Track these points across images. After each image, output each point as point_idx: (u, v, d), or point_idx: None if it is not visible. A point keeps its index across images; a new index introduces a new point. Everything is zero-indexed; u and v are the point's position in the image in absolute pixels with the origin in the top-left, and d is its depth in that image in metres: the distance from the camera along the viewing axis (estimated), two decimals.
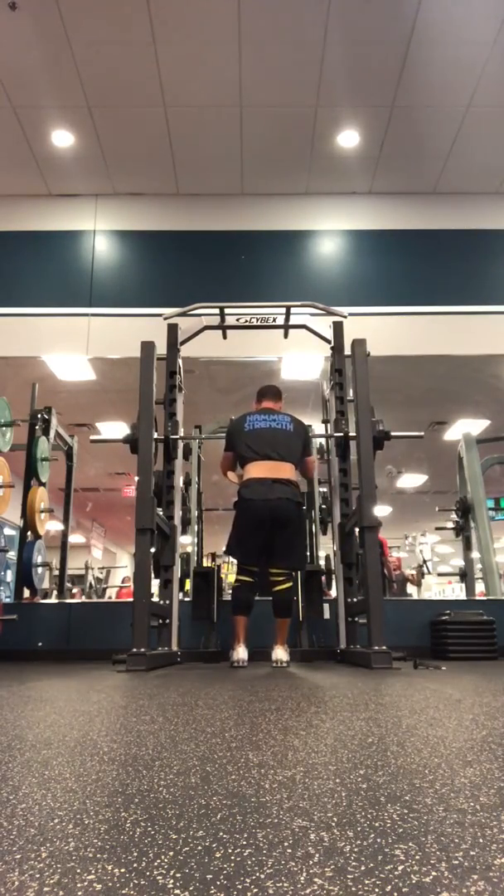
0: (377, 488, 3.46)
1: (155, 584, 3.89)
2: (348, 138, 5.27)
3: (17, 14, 4.19)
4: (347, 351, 3.97)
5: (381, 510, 5.31)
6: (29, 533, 4.93)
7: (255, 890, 0.48)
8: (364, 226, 5.86)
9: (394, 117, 5.04)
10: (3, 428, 4.79)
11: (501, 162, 5.56)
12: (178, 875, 0.51)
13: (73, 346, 5.53)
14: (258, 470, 3.57)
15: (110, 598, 8.38)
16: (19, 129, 5.14)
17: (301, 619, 4.35)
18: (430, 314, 5.60)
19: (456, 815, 0.65)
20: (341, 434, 4.03)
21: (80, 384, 5.98)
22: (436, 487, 8.10)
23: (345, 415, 4.07)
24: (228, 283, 5.65)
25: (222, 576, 5.06)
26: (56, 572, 6.06)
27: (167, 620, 3.85)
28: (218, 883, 0.49)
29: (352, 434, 3.89)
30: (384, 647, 3.08)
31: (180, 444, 4.25)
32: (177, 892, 0.48)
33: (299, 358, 5.60)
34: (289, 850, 0.56)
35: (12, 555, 5.78)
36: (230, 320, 4.32)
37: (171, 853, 0.56)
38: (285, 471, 3.58)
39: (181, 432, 4.19)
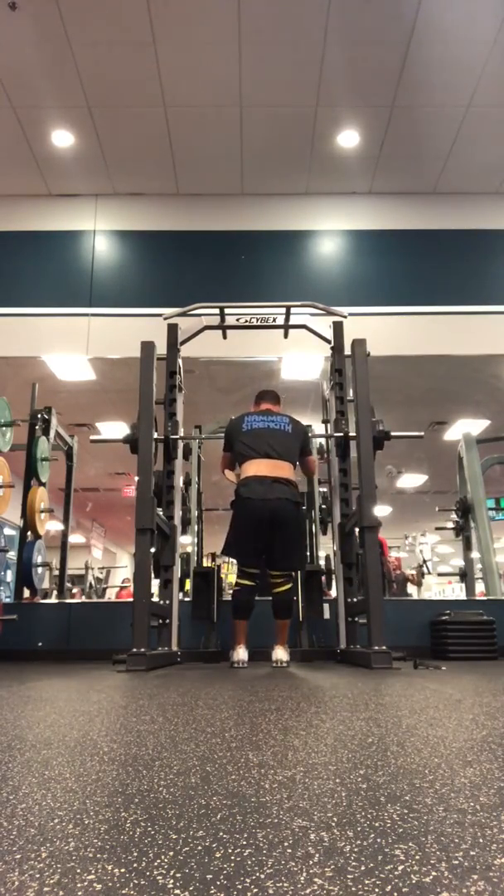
0: (377, 488, 3.46)
1: (155, 584, 3.89)
2: (348, 138, 5.27)
3: (17, 14, 4.19)
4: (347, 351, 3.96)
5: (381, 510, 5.31)
6: (29, 533, 4.93)
7: (255, 890, 0.48)
8: (364, 226, 5.86)
9: (394, 117, 5.04)
10: (3, 428, 4.79)
11: (501, 162, 5.56)
12: (178, 875, 0.51)
13: (73, 346, 5.53)
14: (256, 468, 3.54)
15: (110, 598, 8.38)
16: (19, 129, 5.14)
17: (301, 619, 4.35)
18: (430, 314, 5.60)
19: (456, 815, 0.65)
20: (341, 434, 4.03)
21: (80, 384, 5.98)
22: (436, 487, 8.09)
23: (345, 415, 4.06)
24: (228, 283, 5.65)
25: (222, 576, 5.06)
26: (56, 572, 6.06)
27: (167, 620, 3.85)
28: (218, 883, 0.49)
29: (352, 434, 3.89)
30: (384, 647, 3.08)
31: (180, 444, 4.25)
32: (177, 892, 0.48)
33: (299, 358, 5.60)
34: (289, 850, 0.56)
35: (12, 555, 5.78)
36: (230, 320, 4.32)
37: (171, 853, 0.56)
38: (284, 469, 3.55)
39: (181, 432, 4.19)
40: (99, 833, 0.62)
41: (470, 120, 5.06)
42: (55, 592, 6.11)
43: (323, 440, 4.87)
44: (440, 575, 8.00)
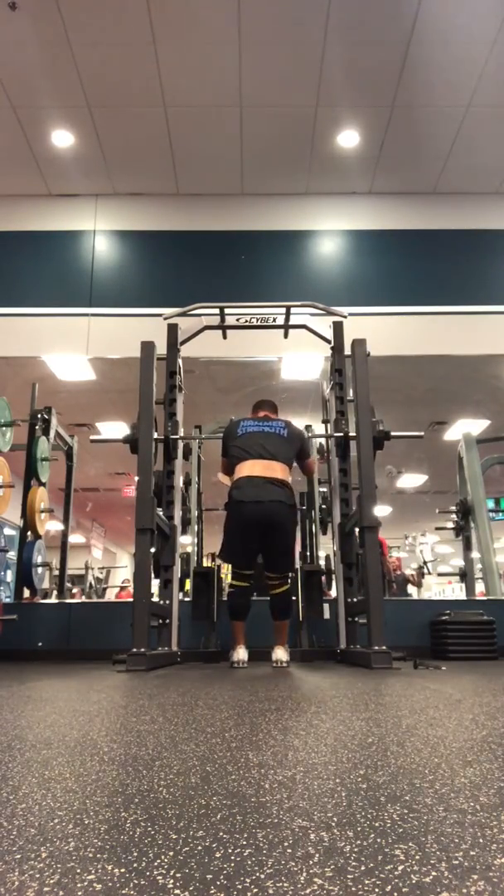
0: (377, 488, 3.46)
1: (155, 584, 3.89)
2: (348, 138, 5.27)
3: (17, 14, 4.19)
4: (347, 351, 3.96)
5: (381, 510, 5.31)
6: (29, 533, 4.93)
7: (255, 890, 0.48)
8: (364, 226, 5.86)
9: (394, 117, 5.04)
10: (3, 428, 4.79)
11: (501, 162, 5.56)
12: (178, 875, 0.51)
13: (73, 346, 5.53)
14: (248, 468, 3.49)
15: (110, 598, 8.38)
16: (19, 129, 5.15)
17: (301, 619, 4.35)
18: (430, 314, 5.60)
19: (456, 815, 0.65)
20: (341, 434, 4.03)
21: (80, 384, 5.98)
22: (436, 487, 8.09)
23: (345, 415, 4.06)
24: (228, 283, 5.65)
25: (222, 576, 5.05)
26: (56, 572, 6.06)
27: (167, 620, 3.85)
28: (218, 883, 0.49)
29: (352, 434, 3.89)
30: (384, 647, 3.08)
31: (180, 444, 4.25)
32: (177, 892, 0.48)
33: (299, 358, 5.60)
34: (289, 850, 0.56)
35: (12, 555, 5.78)
36: (230, 320, 4.32)
37: (171, 853, 0.56)
38: (277, 470, 3.49)
39: (181, 432, 4.19)
40: (99, 833, 0.62)
41: (470, 120, 5.06)
42: (55, 592, 6.11)
43: (323, 440, 4.87)
44: (440, 575, 8.00)
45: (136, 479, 3.51)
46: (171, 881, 0.49)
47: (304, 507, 5.54)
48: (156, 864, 0.53)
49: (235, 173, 5.63)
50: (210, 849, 0.56)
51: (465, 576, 6.01)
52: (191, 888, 0.48)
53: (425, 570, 7.74)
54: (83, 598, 7.63)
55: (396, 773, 0.84)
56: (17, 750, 1.06)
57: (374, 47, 4.47)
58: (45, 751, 1.05)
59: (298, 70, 4.64)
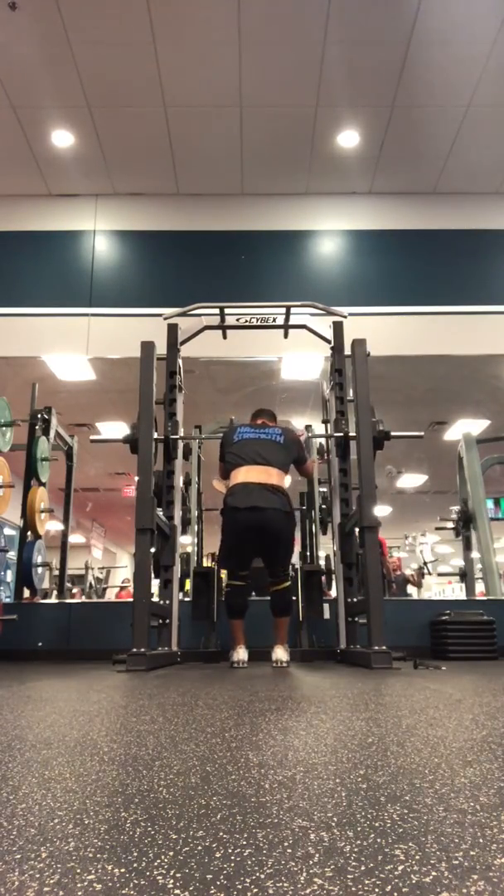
0: (377, 488, 3.46)
1: (155, 584, 3.89)
2: (348, 138, 5.27)
3: (17, 14, 4.19)
4: (347, 351, 3.96)
5: (381, 510, 5.31)
6: (29, 533, 4.93)
7: (255, 890, 0.48)
8: (364, 226, 5.86)
9: (394, 117, 5.04)
10: (3, 428, 4.79)
11: (501, 162, 5.56)
12: (178, 875, 0.51)
13: (73, 346, 5.53)
14: (243, 475, 3.50)
15: (110, 598, 8.38)
16: (19, 129, 5.15)
17: (301, 619, 4.35)
18: (430, 314, 5.60)
19: (456, 815, 0.65)
20: (341, 434, 4.03)
21: (80, 384, 5.98)
22: (436, 487, 8.09)
23: (345, 415, 4.06)
24: (228, 283, 5.65)
25: (222, 576, 5.06)
26: (56, 572, 6.06)
27: (167, 620, 3.85)
28: (218, 883, 0.49)
29: (352, 434, 3.89)
30: (384, 647, 3.08)
31: (180, 444, 4.25)
32: (177, 892, 0.48)
33: (299, 358, 5.60)
34: (289, 850, 0.56)
35: (12, 555, 5.78)
36: (230, 320, 4.32)
37: (171, 853, 0.56)
38: (273, 476, 3.49)
39: (181, 432, 4.19)
40: (99, 833, 0.62)
41: (470, 120, 5.06)
42: (55, 592, 6.11)
43: (323, 440, 4.87)
44: (440, 575, 8.00)
45: (136, 479, 3.51)
46: (171, 881, 0.49)
47: (303, 507, 5.54)
48: (156, 864, 0.53)
49: (235, 173, 5.63)
50: (210, 849, 0.56)
51: (465, 576, 6.01)
52: (191, 888, 0.48)
53: (425, 571, 7.74)
54: (83, 598, 7.63)
55: (396, 773, 0.84)
56: (17, 750, 1.06)
57: (374, 47, 4.47)
58: (45, 751, 1.05)
59: (298, 70, 4.64)
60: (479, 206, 5.87)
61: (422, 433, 4.13)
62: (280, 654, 3.48)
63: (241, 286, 5.59)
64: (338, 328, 4.28)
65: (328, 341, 4.29)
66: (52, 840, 0.60)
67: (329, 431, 4.24)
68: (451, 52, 4.50)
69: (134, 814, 0.68)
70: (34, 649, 4.67)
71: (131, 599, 3.62)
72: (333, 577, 4.50)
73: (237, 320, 4.33)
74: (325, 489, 5.06)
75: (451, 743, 1.07)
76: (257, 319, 4.31)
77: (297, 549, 4.88)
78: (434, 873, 0.50)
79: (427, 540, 8.41)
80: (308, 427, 4.79)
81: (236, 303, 4.44)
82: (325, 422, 4.46)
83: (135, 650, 3.08)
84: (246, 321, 4.32)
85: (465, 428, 6.26)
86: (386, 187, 5.82)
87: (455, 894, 0.46)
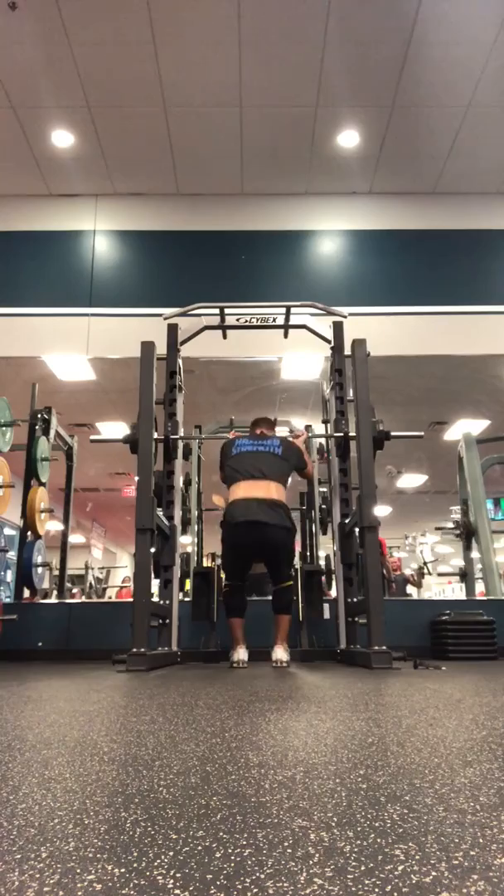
0: (377, 488, 3.46)
1: (155, 584, 3.89)
2: (348, 138, 5.27)
3: (17, 14, 4.19)
4: (347, 351, 3.96)
5: (381, 510, 5.31)
6: (29, 533, 4.93)
7: (255, 890, 0.48)
8: (364, 226, 5.86)
9: (394, 117, 5.04)
10: (3, 428, 4.79)
11: (501, 162, 5.56)
12: (178, 875, 0.51)
13: (73, 346, 5.53)
14: (242, 490, 3.55)
15: (110, 597, 8.38)
16: (19, 129, 5.15)
17: (301, 619, 4.35)
18: (430, 314, 5.60)
19: (456, 815, 0.65)
20: (341, 434, 4.03)
21: (80, 384, 5.98)
22: (436, 487, 8.10)
23: (345, 415, 4.06)
24: (228, 283, 5.65)
25: (221, 575, 5.06)
26: (56, 572, 6.06)
27: (167, 620, 3.85)
28: (218, 883, 0.49)
29: (352, 434, 3.89)
30: (384, 647, 3.08)
31: (180, 444, 4.25)
32: (177, 892, 0.48)
33: (299, 358, 5.60)
34: (289, 850, 0.56)
35: (12, 555, 5.78)
36: (230, 320, 4.32)
37: (171, 853, 0.56)
38: (270, 490, 3.53)
39: (181, 432, 4.19)
40: (99, 833, 0.62)
41: (470, 120, 5.06)
42: (55, 592, 6.11)
43: (323, 440, 4.87)
44: (440, 575, 8.00)
45: (136, 479, 3.51)
46: (171, 881, 0.49)
47: (303, 507, 5.54)
48: (156, 864, 0.53)
49: (235, 173, 5.63)
50: (210, 849, 0.56)
51: (465, 576, 6.01)
52: (191, 888, 0.48)
53: (425, 571, 7.74)
54: (83, 598, 7.63)
55: (396, 773, 0.84)
56: (17, 750, 1.06)
57: (374, 47, 4.47)
58: (45, 751, 1.05)
59: (298, 70, 4.64)
60: (479, 206, 5.87)
61: (422, 433, 4.13)
62: (280, 653, 3.48)
63: (241, 286, 5.60)
64: (338, 328, 4.28)
65: (328, 341, 4.29)
66: (52, 840, 0.60)
67: (329, 431, 4.24)
68: (451, 52, 4.50)
69: (134, 814, 0.68)
70: (34, 649, 4.67)
71: (131, 599, 3.62)
72: (333, 577, 4.50)
73: (237, 320, 4.33)
74: (325, 489, 5.06)
75: (451, 743, 1.07)
76: (257, 319, 4.31)
77: (298, 549, 4.88)
78: (434, 873, 0.50)
79: (427, 540, 8.41)
80: (308, 427, 4.79)
81: (236, 303, 4.45)
82: (325, 422, 4.47)
83: (135, 650, 3.08)
84: (246, 321, 4.32)
85: (465, 428, 6.26)
86: (386, 187, 5.82)
87: (455, 894, 0.46)
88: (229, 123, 5.09)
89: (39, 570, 4.93)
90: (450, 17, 4.24)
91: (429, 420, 6.53)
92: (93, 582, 8.40)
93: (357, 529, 3.65)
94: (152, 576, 3.64)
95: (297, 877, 0.50)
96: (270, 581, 3.75)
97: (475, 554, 5.87)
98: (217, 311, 4.27)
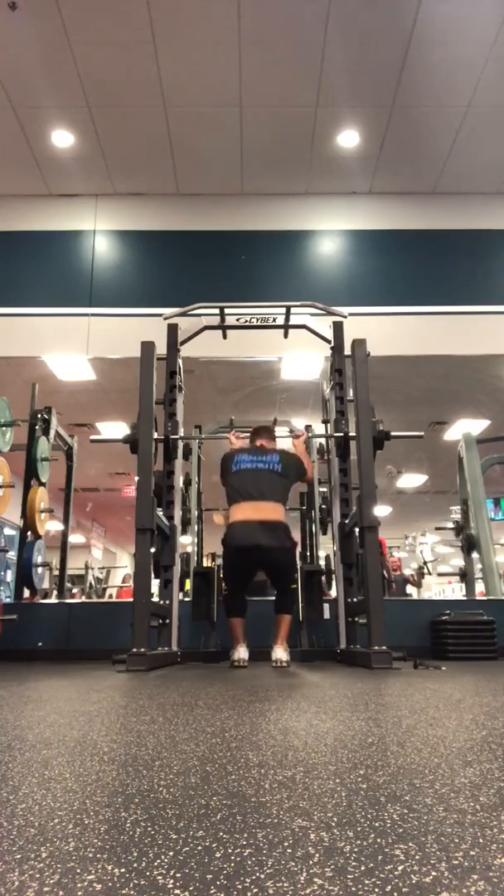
0: (377, 488, 3.46)
1: (155, 584, 3.90)
2: (348, 138, 5.27)
3: (17, 14, 4.19)
4: (347, 351, 3.96)
5: (381, 510, 5.31)
6: (29, 533, 4.93)
7: (255, 890, 0.48)
8: (364, 226, 5.86)
9: (394, 117, 5.04)
10: (3, 428, 4.79)
11: (501, 162, 5.56)
12: (178, 875, 0.51)
13: (73, 346, 5.53)
14: (242, 512, 3.59)
15: (111, 597, 8.38)
16: (19, 129, 5.15)
17: (301, 619, 4.35)
18: (430, 314, 5.60)
19: (456, 815, 0.65)
20: (341, 434, 4.03)
21: (80, 384, 5.98)
22: (436, 487, 8.10)
23: (345, 415, 4.07)
24: (228, 283, 5.65)
25: (222, 576, 5.06)
26: (56, 572, 6.06)
27: (167, 620, 3.86)
28: (218, 883, 0.49)
29: (352, 434, 3.89)
30: (384, 647, 3.08)
31: (180, 444, 4.25)
32: (177, 892, 0.48)
33: (299, 358, 5.60)
34: (289, 850, 0.56)
35: (12, 555, 5.78)
36: (230, 320, 4.32)
37: (171, 853, 0.56)
38: (270, 511, 3.57)
39: (181, 432, 4.19)
40: (99, 833, 0.62)
41: (470, 120, 5.06)
42: (55, 592, 6.11)
43: (323, 440, 4.86)
44: (440, 575, 8.00)
45: (136, 479, 3.51)
46: (171, 881, 0.49)
47: (303, 507, 5.54)
48: (156, 864, 0.53)
49: (235, 173, 5.63)
50: (210, 849, 0.56)
51: (465, 576, 6.01)
52: (191, 888, 0.48)
53: (425, 571, 7.74)
54: (83, 598, 7.63)
55: (396, 773, 0.84)
56: (17, 750, 1.06)
57: (374, 47, 4.47)
58: (45, 751, 1.05)
59: (298, 70, 4.64)
60: (479, 206, 5.87)
61: (422, 433, 4.13)
62: (280, 653, 3.49)
63: (241, 286, 5.60)
64: (338, 328, 4.28)
65: (328, 341, 4.29)
66: (52, 840, 0.60)
67: (329, 431, 4.24)
68: (451, 52, 4.50)
69: (134, 814, 0.68)
70: (34, 649, 4.67)
71: (131, 599, 3.62)
72: (333, 577, 4.50)
73: (237, 320, 4.33)
74: (325, 489, 5.06)
75: (451, 743, 1.07)
76: (257, 319, 4.31)
77: (297, 549, 4.88)
78: (434, 873, 0.50)
79: (427, 540, 8.41)
80: (308, 427, 4.79)
81: (236, 303, 4.45)
82: (325, 422, 4.47)
83: (135, 650, 3.08)
84: (246, 321, 4.32)
85: (465, 428, 6.26)
86: (386, 187, 5.82)
87: (455, 894, 0.46)
88: (229, 123, 5.09)
89: (39, 570, 4.93)
90: (450, 17, 4.24)
91: (429, 420, 6.53)
92: (93, 582, 8.41)
93: (357, 529, 3.65)
94: (152, 576, 3.64)
95: (297, 877, 0.50)
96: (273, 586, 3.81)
97: (475, 554, 5.87)
98: (217, 311, 4.27)
